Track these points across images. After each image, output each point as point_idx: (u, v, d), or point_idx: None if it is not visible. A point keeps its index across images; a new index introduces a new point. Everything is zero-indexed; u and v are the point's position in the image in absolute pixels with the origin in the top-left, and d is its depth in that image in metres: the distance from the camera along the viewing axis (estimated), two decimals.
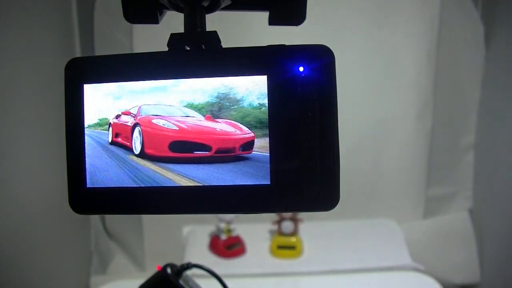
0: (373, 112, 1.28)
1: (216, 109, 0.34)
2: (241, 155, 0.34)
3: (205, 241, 1.17)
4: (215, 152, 0.35)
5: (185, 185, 0.34)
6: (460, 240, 1.32)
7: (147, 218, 1.32)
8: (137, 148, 0.36)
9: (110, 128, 0.36)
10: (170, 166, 0.35)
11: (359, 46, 1.24)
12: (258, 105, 0.33)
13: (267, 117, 0.33)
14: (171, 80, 0.34)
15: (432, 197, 1.37)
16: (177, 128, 0.35)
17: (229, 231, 1.13)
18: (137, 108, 0.36)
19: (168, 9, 0.37)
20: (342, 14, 1.23)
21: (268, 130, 0.33)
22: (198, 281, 0.56)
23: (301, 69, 0.33)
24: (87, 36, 1.26)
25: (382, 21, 1.22)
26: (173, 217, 1.27)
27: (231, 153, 0.35)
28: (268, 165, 0.33)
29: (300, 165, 0.33)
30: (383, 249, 1.13)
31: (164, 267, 0.53)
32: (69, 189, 0.36)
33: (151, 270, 0.61)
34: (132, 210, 0.36)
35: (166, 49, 0.35)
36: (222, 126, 0.35)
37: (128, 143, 0.36)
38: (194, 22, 0.35)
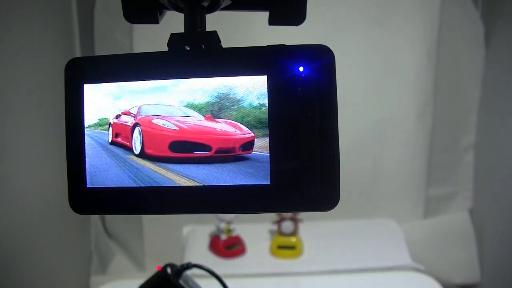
0: (373, 112, 1.28)
1: (216, 109, 0.34)
2: (241, 155, 0.34)
3: (205, 241, 1.17)
4: (215, 152, 0.35)
5: (185, 185, 0.34)
6: (460, 240, 1.32)
7: (147, 218, 1.32)
8: (137, 148, 0.36)
9: (110, 128, 0.36)
10: (170, 166, 0.35)
11: (359, 46, 1.24)
12: (258, 105, 0.33)
13: (267, 117, 0.33)
14: (171, 80, 0.34)
15: (432, 197, 1.37)
16: (177, 128, 0.35)
17: (229, 231, 1.13)
18: (137, 108, 0.36)
19: (168, 9, 0.37)
20: (342, 14, 1.23)
21: (268, 130, 0.33)
22: (198, 281, 0.56)
23: (301, 69, 0.33)
24: (87, 36, 1.26)
25: (382, 21, 1.22)
26: (173, 217, 1.27)
27: (231, 153, 0.35)
28: (268, 165, 0.33)
29: (300, 165, 0.33)
30: (383, 249, 1.13)
31: (164, 267, 0.53)
32: (69, 189, 0.36)
33: (151, 270, 0.61)
34: (132, 210, 0.36)
35: (166, 49, 0.35)
36: (222, 126, 0.35)
37: (128, 143, 0.36)
38: (194, 22, 0.35)
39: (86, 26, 1.26)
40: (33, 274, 0.96)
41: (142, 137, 0.36)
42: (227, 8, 0.37)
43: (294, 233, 1.11)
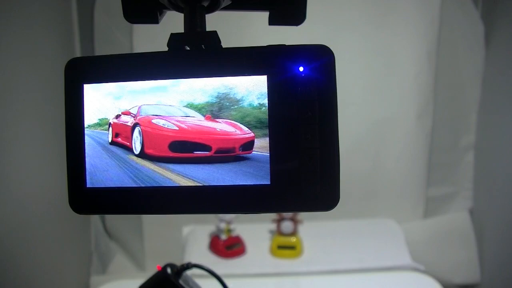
0: (373, 112, 1.28)
1: (216, 109, 0.34)
2: (241, 155, 0.34)
3: (205, 241, 1.17)
4: (215, 152, 0.35)
5: (185, 185, 0.34)
6: (460, 240, 1.32)
7: (147, 218, 1.32)
8: (137, 148, 0.36)
9: (110, 128, 0.36)
10: (170, 166, 0.35)
11: (359, 46, 1.24)
12: (258, 105, 0.33)
13: (267, 117, 0.33)
14: (171, 80, 0.34)
15: (432, 197, 1.37)
16: (177, 128, 0.35)
17: (229, 231, 1.13)
18: (137, 108, 0.36)
19: (168, 9, 0.37)
20: (342, 14, 1.23)
21: (268, 130, 0.33)
22: (198, 281, 0.56)
23: (301, 69, 0.33)
24: (87, 36, 1.26)
25: (382, 21, 1.22)
26: (173, 217, 1.27)
27: (231, 153, 0.35)
28: (268, 165, 0.33)
29: (300, 165, 0.33)
30: (383, 249, 1.13)
31: (164, 267, 0.53)
32: (69, 189, 0.36)
33: (151, 270, 0.61)
34: (132, 210, 0.36)
35: (166, 49, 0.35)
36: (222, 126, 0.35)
37: (128, 143, 0.36)
38: (194, 22, 0.35)
39: (86, 26, 1.26)
40: (33, 274, 0.96)
41: (142, 137, 0.36)
42: (227, 8, 0.37)
43: (294, 233, 1.11)
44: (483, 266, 1.28)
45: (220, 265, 1.08)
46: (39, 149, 1.01)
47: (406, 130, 1.29)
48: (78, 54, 1.25)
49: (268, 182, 0.33)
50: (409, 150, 1.31)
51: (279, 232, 1.12)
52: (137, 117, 0.36)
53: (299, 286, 0.99)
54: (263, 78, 0.33)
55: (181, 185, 0.34)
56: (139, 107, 0.36)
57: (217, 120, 0.34)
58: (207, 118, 0.35)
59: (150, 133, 0.36)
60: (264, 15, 0.38)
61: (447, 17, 1.24)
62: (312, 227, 1.18)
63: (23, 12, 0.95)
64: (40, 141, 1.02)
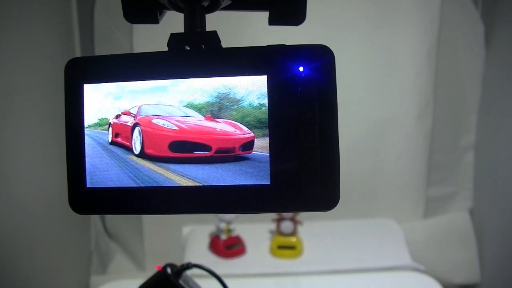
0: (373, 112, 1.28)
1: (216, 109, 0.34)
2: (241, 155, 0.34)
3: (205, 241, 1.17)
4: (215, 152, 0.35)
5: (185, 185, 0.34)
6: (460, 240, 1.32)
7: (147, 218, 1.32)
8: (137, 148, 0.36)
9: (110, 128, 0.36)
10: (170, 166, 0.35)
11: (359, 46, 1.24)
12: (258, 105, 0.33)
13: (267, 117, 0.33)
14: (171, 80, 0.34)
15: (432, 197, 1.37)
16: (177, 128, 0.35)
17: (229, 231, 1.13)
18: (137, 108, 0.36)
19: (168, 9, 0.37)
20: (342, 14, 1.23)
21: (268, 130, 0.33)
22: (198, 281, 0.56)
23: (301, 69, 0.33)
24: (87, 36, 1.26)
25: (382, 21, 1.22)
26: (173, 217, 1.27)
27: (231, 153, 0.35)
28: (268, 165, 0.33)
29: (300, 165, 0.33)
30: (383, 249, 1.13)
31: (164, 267, 0.53)
32: (69, 189, 0.36)
33: (151, 270, 0.61)
34: (132, 210, 0.36)
35: (166, 49, 0.35)
36: (222, 126, 0.35)
37: (128, 143, 0.36)
38: (194, 22, 0.35)
39: (86, 26, 1.26)
40: (33, 274, 0.96)
41: (142, 137, 0.36)
42: (227, 8, 0.37)
43: (294, 233, 1.11)
44: (483, 266, 1.28)
45: (220, 265, 1.08)
46: (39, 149, 1.01)
47: (406, 130, 1.29)
48: (78, 54, 1.25)
49: (268, 182, 0.33)
50: (409, 150, 1.31)
51: (279, 232, 1.12)
52: (137, 117, 0.36)
53: (299, 286, 0.99)
54: (263, 78, 0.33)
55: (181, 185, 0.34)
56: (139, 107, 0.36)
57: (217, 120, 0.34)
58: (207, 118, 0.35)
59: (150, 133, 0.36)
60: (264, 15, 0.38)
61: (447, 17, 1.24)
62: (312, 227, 1.18)
63: (23, 12, 0.95)
64: (40, 141, 1.02)
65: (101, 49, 1.26)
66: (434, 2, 1.21)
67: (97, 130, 0.36)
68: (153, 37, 1.08)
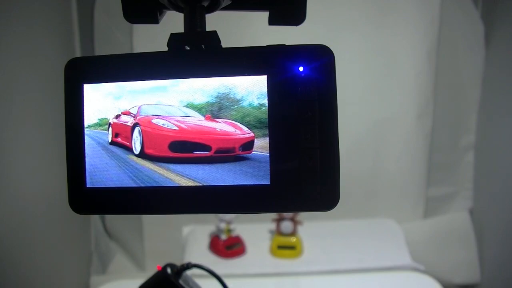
0: (373, 112, 1.28)
1: (216, 109, 0.34)
2: (241, 155, 0.34)
3: (205, 241, 1.17)
4: (215, 152, 0.35)
5: (185, 185, 0.34)
6: (460, 240, 1.32)
7: (147, 218, 1.32)
8: (137, 148, 0.36)
9: (110, 128, 0.36)
10: (170, 166, 0.35)
11: (359, 46, 1.24)
12: (258, 105, 0.33)
13: (267, 117, 0.33)
14: (171, 80, 0.34)
15: (432, 197, 1.37)
16: (177, 128, 0.35)
17: (229, 231, 1.13)
18: (137, 108, 0.36)
19: (168, 9, 0.37)
20: (342, 14, 1.23)
21: (268, 130, 0.33)
22: (198, 281, 0.56)
23: (301, 69, 0.33)
24: (87, 36, 1.26)
25: (382, 21, 1.22)
26: (173, 217, 1.27)
27: (231, 153, 0.35)
28: (268, 165, 0.33)
29: (300, 165, 0.33)
30: (383, 249, 1.13)
31: (164, 267, 0.53)
32: (69, 189, 0.36)
33: (151, 270, 0.61)
34: (132, 210, 0.36)
35: (166, 49, 0.35)
36: (222, 126, 0.35)
37: (128, 143, 0.36)
38: (194, 22, 0.35)
39: (86, 26, 1.26)
40: (33, 274, 0.96)
41: (142, 137, 0.36)
42: (227, 8, 0.37)
43: (294, 233, 1.11)
44: (483, 266, 1.28)
45: (220, 265, 1.08)
46: (39, 149, 1.01)
47: (406, 130, 1.29)
48: (78, 54, 1.25)
49: (268, 182, 0.33)
50: (409, 150, 1.31)
51: (279, 232, 1.12)
52: (137, 117, 0.36)
53: (299, 286, 0.99)
54: (263, 78, 0.33)
55: (181, 185, 0.34)
56: (139, 107, 0.36)
57: (217, 120, 0.34)
58: (207, 118, 0.35)
59: (150, 133, 0.36)
60: (264, 15, 0.38)
61: (447, 17, 1.24)
62: (312, 227, 1.18)
63: (23, 12, 0.95)
64: (40, 141, 1.02)
65: (101, 49, 1.26)
66: (434, 2, 1.21)
67: (97, 130, 0.36)
68: (153, 37, 1.08)
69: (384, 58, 1.25)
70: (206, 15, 0.36)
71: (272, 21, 0.38)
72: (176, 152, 0.35)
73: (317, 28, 1.16)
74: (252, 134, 0.34)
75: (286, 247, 1.11)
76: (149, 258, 1.34)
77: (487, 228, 1.27)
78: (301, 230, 1.13)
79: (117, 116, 0.36)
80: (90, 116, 0.35)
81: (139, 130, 0.36)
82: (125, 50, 1.24)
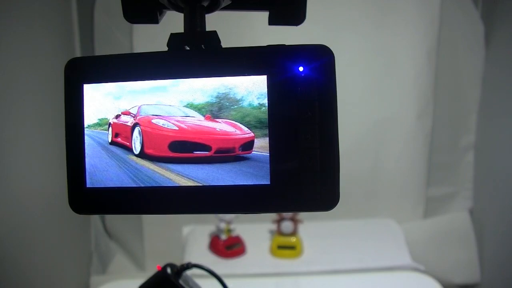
0: (373, 112, 1.28)
1: (216, 109, 0.34)
2: (241, 155, 0.34)
3: (205, 241, 1.17)
4: (215, 152, 0.35)
5: (185, 185, 0.34)
6: (460, 240, 1.32)
7: (147, 218, 1.32)
8: (136, 148, 0.36)
9: (110, 128, 0.36)
10: (170, 166, 0.35)
11: (359, 46, 1.24)
12: (258, 105, 0.33)
13: (267, 117, 0.33)
14: (171, 80, 0.34)
15: (432, 197, 1.37)
16: (177, 128, 0.35)
17: (229, 231, 1.13)
18: (137, 108, 0.36)
19: (168, 9, 0.37)
20: (342, 14, 1.23)
21: (268, 130, 0.33)
22: (198, 281, 0.56)
23: (301, 69, 0.33)
24: (87, 36, 1.26)
25: (382, 21, 1.22)
26: (173, 217, 1.27)
27: (231, 153, 0.35)
28: (268, 165, 0.33)
29: (300, 165, 0.33)
30: (383, 249, 1.13)
31: (164, 267, 0.53)
32: (69, 189, 0.36)
33: (151, 270, 0.61)
34: (132, 210, 0.36)
35: (166, 49, 0.35)
36: (222, 126, 0.35)
37: (128, 143, 0.36)
38: (194, 22, 0.35)
39: (86, 26, 1.26)
40: (33, 274, 0.96)
41: (142, 137, 0.36)
42: (227, 8, 0.37)
43: (294, 233, 1.11)
44: (483, 266, 1.28)
45: (220, 265, 1.08)
46: (39, 149, 1.01)
47: (406, 130, 1.29)
48: (78, 54, 1.25)
49: (268, 182, 0.33)
50: (409, 150, 1.31)
51: (279, 232, 1.12)
52: (137, 117, 0.36)
53: (299, 286, 0.99)
54: (263, 78, 0.33)
55: (181, 185, 0.34)
56: (139, 107, 0.36)
57: (217, 120, 0.34)
58: (207, 118, 0.35)
59: (150, 133, 0.36)
60: (264, 15, 0.38)
61: (447, 17, 1.24)
62: (312, 227, 1.18)
63: (23, 12, 0.95)
64: (40, 141, 1.02)
65: (101, 49, 1.26)
66: (434, 2, 1.21)
67: (97, 130, 0.36)
68: (153, 37, 1.08)
69: (384, 58, 1.25)
70: (206, 15, 0.36)
71: (272, 21, 0.38)
72: (176, 152, 0.35)
73: (317, 28, 1.16)
74: (252, 134, 0.34)
75: (286, 247, 1.11)
76: (149, 258, 1.34)
77: (487, 228, 1.27)
78: (301, 230, 1.13)
79: (117, 116, 0.36)
80: (90, 116, 0.35)
81: (139, 130, 0.36)
82: (125, 50, 1.24)
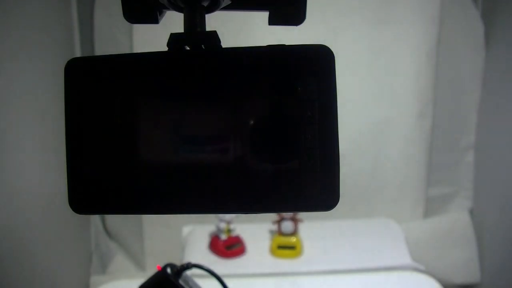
0: (373, 112, 1.28)
1: None
2: None
3: (205, 241, 1.17)
4: None
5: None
6: (460, 240, 1.32)
7: (147, 218, 1.32)
8: None
9: None
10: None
11: (359, 46, 1.24)
12: None
13: None
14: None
15: (432, 197, 1.37)
16: None
17: (229, 231, 1.13)
18: None
19: (168, 9, 0.37)
20: (342, 14, 1.23)
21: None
22: (198, 281, 0.56)
23: (301, 69, 0.33)
24: (87, 36, 1.26)
25: (382, 21, 1.22)
26: (173, 217, 1.27)
27: None
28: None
29: (300, 165, 0.33)
30: (383, 249, 1.13)
31: (164, 267, 0.53)
32: (68, 189, 0.36)
33: (151, 270, 0.61)
34: (132, 210, 0.36)
35: (166, 49, 0.35)
36: None
37: None
38: (194, 22, 0.35)
39: (86, 26, 1.26)
40: (33, 273, 0.96)
41: None
42: (227, 8, 0.37)
43: (294, 233, 1.11)
44: (483, 266, 1.28)
45: (220, 265, 1.08)
46: (39, 149, 1.01)
47: (406, 130, 1.29)
48: (78, 54, 1.25)
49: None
50: (409, 150, 1.31)
51: (279, 232, 1.12)
52: None
53: (299, 286, 0.99)
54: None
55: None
56: None
57: None
58: None
59: None
60: (264, 15, 0.38)
61: (447, 17, 1.24)
62: (312, 227, 1.18)
63: (23, 12, 0.95)
64: (40, 141, 1.02)
65: (101, 49, 1.26)
66: (434, 2, 1.21)
67: None
68: (153, 37, 1.08)
69: (384, 58, 1.25)
70: (206, 15, 0.36)
71: (272, 21, 0.38)
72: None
73: (317, 28, 1.17)
74: None
75: (286, 247, 1.11)
76: (149, 258, 1.34)
77: (487, 228, 1.27)
78: (301, 230, 1.13)
79: None
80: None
81: None
82: (125, 50, 1.24)
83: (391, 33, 1.23)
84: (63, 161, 0.36)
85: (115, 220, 1.38)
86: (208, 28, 0.35)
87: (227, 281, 0.57)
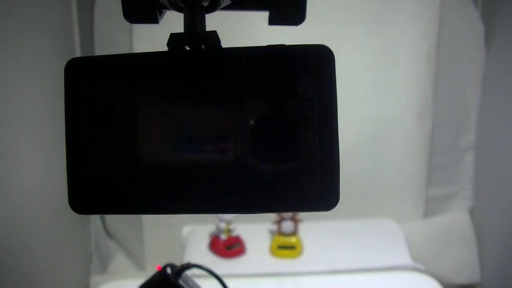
0: (373, 112, 1.28)
1: None
2: None
3: (205, 241, 1.17)
4: None
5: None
6: (460, 240, 1.32)
7: (147, 218, 1.32)
8: None
9: None
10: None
11: (359, 45, 1.24)
12: None
13: None
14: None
15: (432, 197, 1.37)
16: None
17: (229, 231, 1.13)
18: None
19: (168, 9, 0.37)
20: (342, 13, 1.23)
21: None
22: (198, 281, 0.56)
23: (301, 69, 0.33)
24: (87, 36, 1.26)
25: (382, 21, 1.22)
26: (173, 217, 1.27)
27: None
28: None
29: (300, 165, 0.33)
30: (383, 249, 1.13)
31: (164, 267, 0.53)
32: (68, 189, 0.36)
33: (151, 270, 0.61)
34: (132, 210, 0.36)
35: (166, 49, 0.35)
36: None
37: None
38: (194, 22, 0.35)
39: (86, 26, 1.26)
40: (33, 273, 0.96)
41: None
42: (227, 8, 0.37)
43: (294, 233, 1.11)
44: (483, 266, 1.28)
45: (220, 265, 1.08)
46: (39, 149, 1.01)
47: (406, 130, 1.29)
48: (78, 54, 1.25)
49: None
50: (409, 150, 1.31)
51: (279, 232, 1.12)
52: None
53: (299, 286, 0.99)
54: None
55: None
56: None
57: None
58: None
59: None
60: (264, 15, 0.38)
61: (447, 17, 1.24)
62: (312, 227, 1.18)
63: (23, 12, 0.95)
64: (40, 141, 1.02)
65: (101, 49, 1.26)
66: (434, 2, 1.21)
67: None
68: (153, 37, 1.08)
69: (384, 58, 1.25)
70: (206, 15, 0.36)
71: (272, 21, 0.38)
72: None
73: (317, 27, 1.17)
74: None
75: (286, 247, 1.11)
76: (149, 258, 1.34)
77: (487, 228, 1.27)
78: (301, 230, 1.13)
79: None
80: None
81: None
82: (125, 50, 1.25)
83: (391, 33, 1.23)
84: (63, 161, 0.36)
85: (115, 220, 1.38)
86: (208, 28, 0.35)
87: (227, 281, 0.57)
